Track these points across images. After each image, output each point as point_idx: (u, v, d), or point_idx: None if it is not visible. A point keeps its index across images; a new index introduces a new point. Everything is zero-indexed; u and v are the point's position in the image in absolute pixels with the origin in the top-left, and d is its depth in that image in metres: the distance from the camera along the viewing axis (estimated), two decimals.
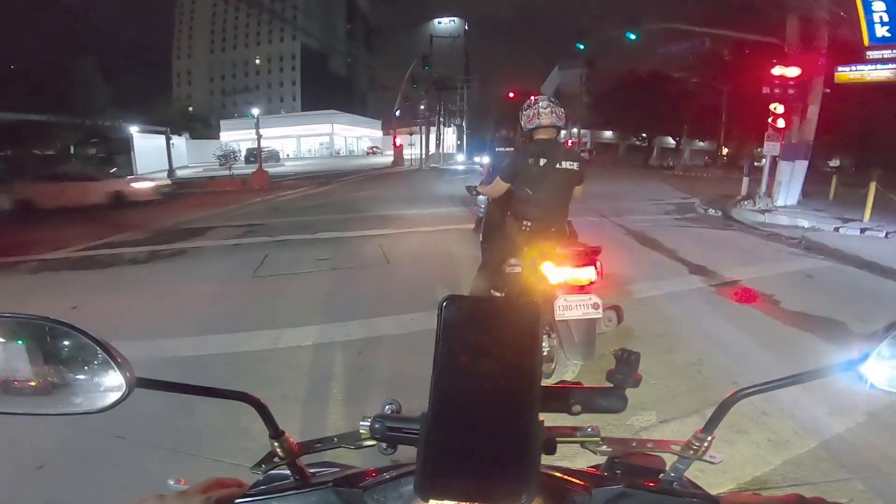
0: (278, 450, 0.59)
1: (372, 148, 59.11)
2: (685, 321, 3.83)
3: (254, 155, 24.66)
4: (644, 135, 43.10)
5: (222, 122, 54.82)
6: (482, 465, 0.47)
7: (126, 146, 25.14)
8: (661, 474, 0.58)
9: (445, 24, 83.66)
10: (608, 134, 51.72)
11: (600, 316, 2.57)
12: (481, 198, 4.74)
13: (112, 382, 0.51)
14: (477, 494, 0.48)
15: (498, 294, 3.23)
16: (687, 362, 3.11)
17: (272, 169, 23.46)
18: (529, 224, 2.93)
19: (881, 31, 9.75)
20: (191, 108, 54.97)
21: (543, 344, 2.83)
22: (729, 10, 15.76)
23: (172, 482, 0.57)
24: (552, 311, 2.54)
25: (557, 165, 2.86)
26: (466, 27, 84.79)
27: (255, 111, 24.10)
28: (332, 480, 0.57)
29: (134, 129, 25.69)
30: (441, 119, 38.43)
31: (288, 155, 50.69)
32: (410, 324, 3.74)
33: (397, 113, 31.88)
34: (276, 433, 0.59)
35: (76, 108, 23.12)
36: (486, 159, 9.66)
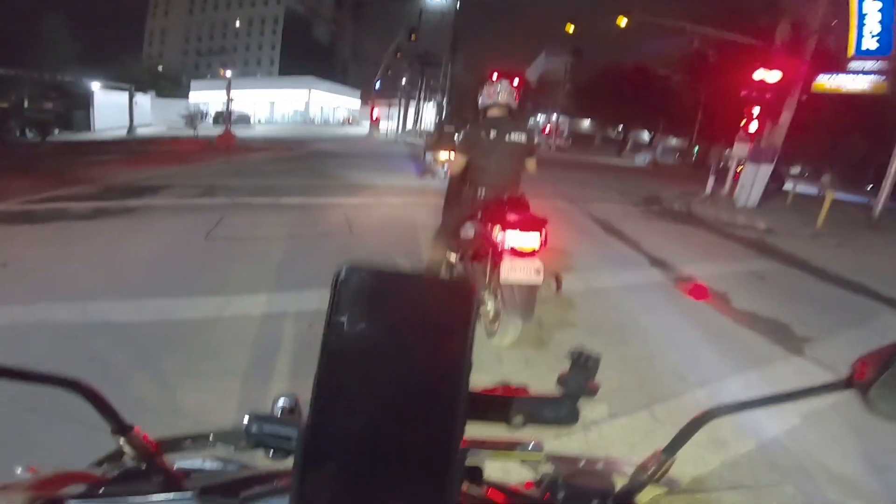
0: (126, 448, 0.48)
1: (348, 118, 57.83)
2: (641, 314, 3.86)
3: (223, 116, 23.70)
4: (621, 127, 43.64)
5: (193, 83, 52.15)
6: (379, 494, 0.37)
7: (86, 101, 23.96)
8: (609, 498, 0.50)
9: None
10: (586, 124, 52.06)
11: (541, 281, 2.72)
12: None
13: None
14: None
15: (453, 255, 3.38)
16: (640, 356, 3.13)
17: (241, 132, 22.59)
18: (484, 191, 3.15)
19: (868, 43, 9.78)
20: (160, 67, 52.68)
21: (488, 305, 2.96)
22: (722, 11, 15.82)
23: (20, 470, 0.47)
24: (498, 274, 2.72)
25: (506, 138, 3.10)
26: (458, 4, 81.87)
27: (228, 72, 23.00)
28: (200, 487, 0.46)
29: (96, 85, 24.45)
30: (422, 94, 37.63)
31: (260, 120, 48.92)
32: None
33: (377, 84, 31.00)
34: (122, 428, 0.48)
35: (34, 62, 21.75)
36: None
